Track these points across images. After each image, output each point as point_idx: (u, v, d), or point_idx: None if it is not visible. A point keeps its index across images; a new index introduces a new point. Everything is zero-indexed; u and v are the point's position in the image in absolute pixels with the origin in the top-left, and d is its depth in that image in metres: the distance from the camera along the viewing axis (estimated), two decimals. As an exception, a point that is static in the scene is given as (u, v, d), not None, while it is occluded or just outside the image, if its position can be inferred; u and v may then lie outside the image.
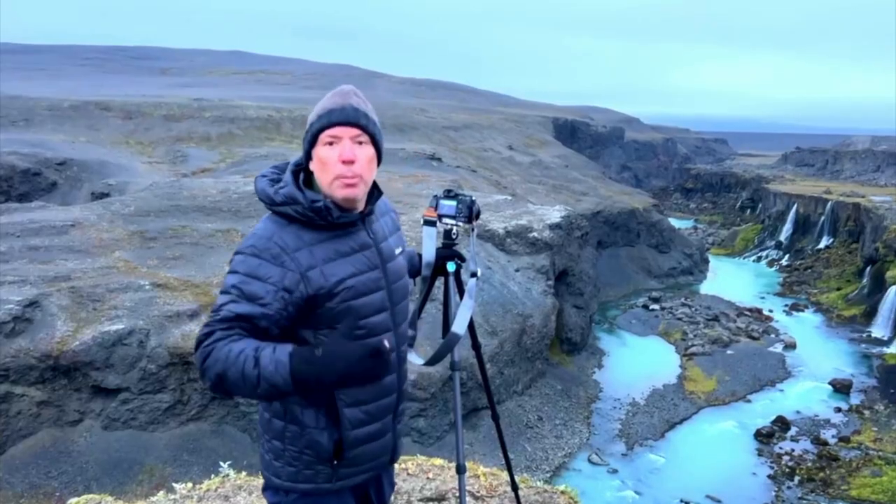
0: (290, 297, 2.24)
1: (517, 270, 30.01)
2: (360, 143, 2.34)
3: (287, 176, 2.38)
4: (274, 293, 2.21)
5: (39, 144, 36.59)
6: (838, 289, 51.67)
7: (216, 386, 2.08)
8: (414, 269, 3.06)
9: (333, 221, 2.34)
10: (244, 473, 5.33)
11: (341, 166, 2.30)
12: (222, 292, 2.23)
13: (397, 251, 2.62)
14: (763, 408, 32.42)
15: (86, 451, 18.72)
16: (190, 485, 5.12)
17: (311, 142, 2.34)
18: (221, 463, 5.66)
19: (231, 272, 2.25)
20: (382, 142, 2.44)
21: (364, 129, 2.35)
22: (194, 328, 20.52)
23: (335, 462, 2.43)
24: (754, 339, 41.11)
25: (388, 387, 2.53)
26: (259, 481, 5.13)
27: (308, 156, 2.39)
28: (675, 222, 68.55)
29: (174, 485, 5.12)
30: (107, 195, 31.36)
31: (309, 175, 2.42)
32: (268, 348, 2.03)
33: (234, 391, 2.08)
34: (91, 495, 5.25)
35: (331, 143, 2.31)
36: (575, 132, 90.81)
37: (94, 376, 19.12)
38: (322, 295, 2.30)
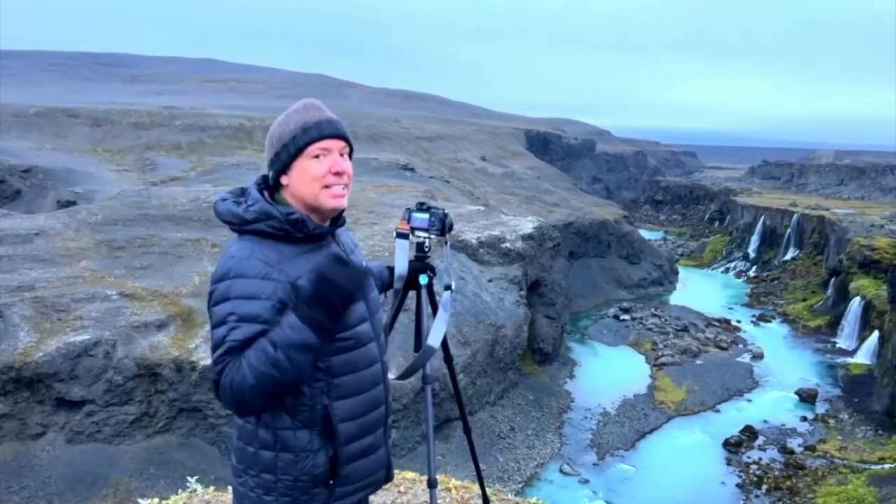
0: (286, 308, 2.19)
1: (490, 281, 30.08)
2: (344, 155, 2.39)
3: (254, 193, 2.34)
4: (270, 307, 2.17)
5: (4, 151, 35.80)
6: (804, 300, 52.67)
7: (254, 409, 2.14)
8: (384, 283, 3.04)
9: (310, 233, 2.32)
10: (212, 488, 5.24)
11: (332, 177, 2.33)
12: (218, 325, 2.18)
13: (364, 264, 2.62)
14: (731, 417, 32.84)
15: (48, 465, 18.25)
16: (156, 499, 5.02)
17: (295, 155, 2.31)
18: (189, 477, 5.57)
19: (220, 301, 2.20)
20: None
21: (348, 141, 2.41)
22: (162, 339, 20.19)
23: (331, 482, 2.38)
24: (723, 349, 41.65)
25: (377, 398, 2.51)
26: (227, 496, 5.04)
27: (282, 170, 2.36)
28: (645, 234, 69.35)
29: (139, 500, 5.03)
30: (73, 203, 30.76)
31: (272, 194, 2.39)
32: (272, 332, 2.07)
33: (273, 392, 2.09)
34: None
35: (317, 157, 2.31)
36: (547, 144, 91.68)
37: (58, 388, 18.68)
38: None
